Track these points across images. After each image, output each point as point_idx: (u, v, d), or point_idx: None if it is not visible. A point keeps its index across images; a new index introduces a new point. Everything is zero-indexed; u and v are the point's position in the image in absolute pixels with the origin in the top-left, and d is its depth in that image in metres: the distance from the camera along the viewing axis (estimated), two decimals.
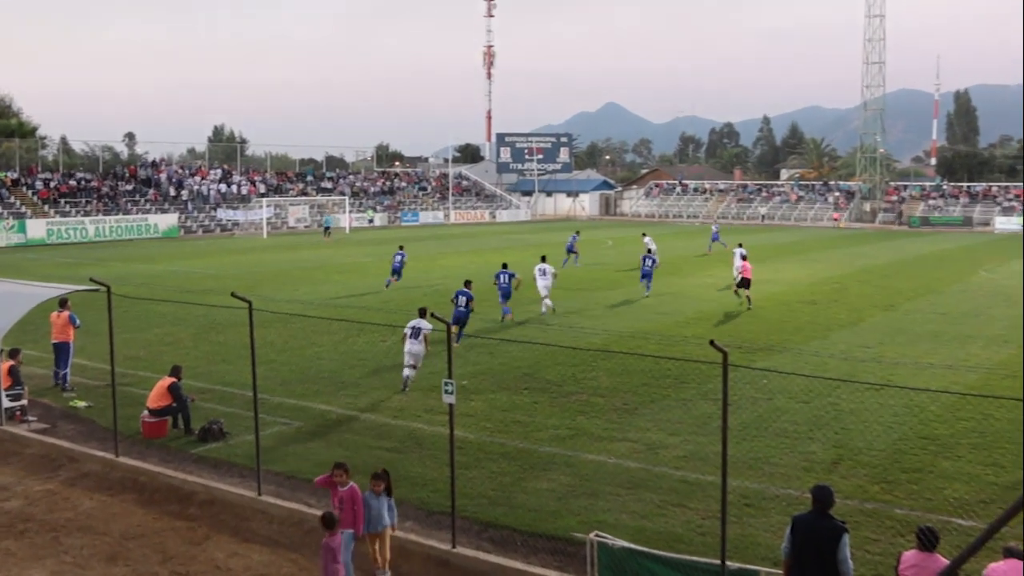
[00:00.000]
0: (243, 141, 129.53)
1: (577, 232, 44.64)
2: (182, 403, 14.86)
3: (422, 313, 17.27)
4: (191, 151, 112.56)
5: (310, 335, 22.35)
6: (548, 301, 26.12)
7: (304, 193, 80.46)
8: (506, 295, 25.12)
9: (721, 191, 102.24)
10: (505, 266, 26.06)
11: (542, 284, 26.38)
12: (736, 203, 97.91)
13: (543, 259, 27.56)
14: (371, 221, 78.66)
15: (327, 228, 65.40)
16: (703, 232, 65.04)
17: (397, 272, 31.85)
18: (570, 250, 40.47)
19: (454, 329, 20.68)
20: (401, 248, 33.46)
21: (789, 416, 15.19)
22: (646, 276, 30.28)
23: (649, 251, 33.05)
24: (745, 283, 27.87)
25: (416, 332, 16.87)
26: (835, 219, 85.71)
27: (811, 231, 74.03)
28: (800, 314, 26.55)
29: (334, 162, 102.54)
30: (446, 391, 10.42)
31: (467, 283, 21.88)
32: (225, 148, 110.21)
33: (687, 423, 14.82)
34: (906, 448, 13.52)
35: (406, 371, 16.98)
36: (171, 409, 14.81)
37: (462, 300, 21.13)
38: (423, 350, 16.96)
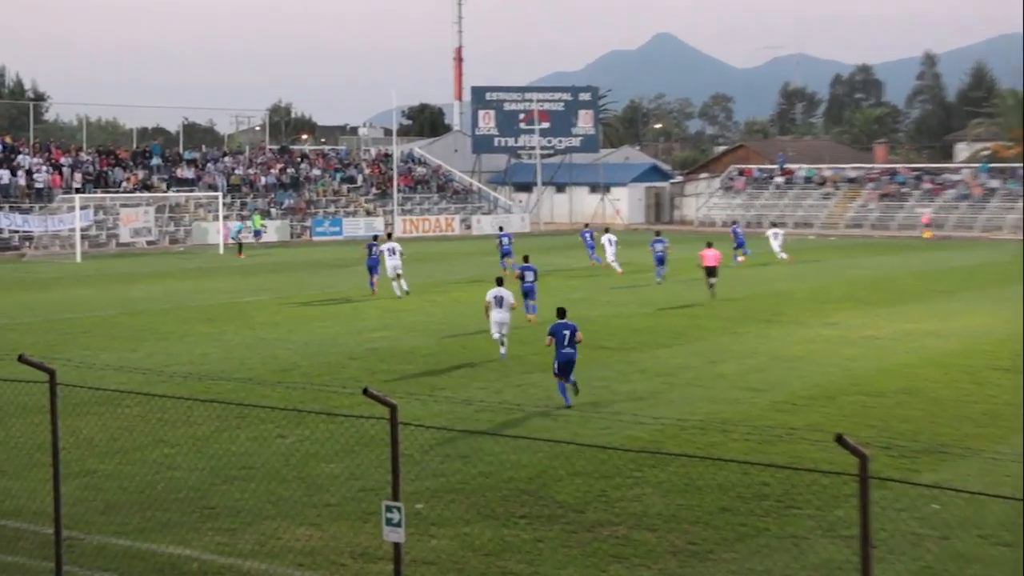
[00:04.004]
0: (40, 97, 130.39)
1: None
2: None
3: (499, 282, 29.61)
4: None
5: (156, 427, 22.23)
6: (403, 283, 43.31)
7: (147, 186, 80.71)
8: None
9: (852, 181, 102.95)
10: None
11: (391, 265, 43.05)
12: (878, 201, 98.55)
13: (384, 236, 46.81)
14: (257, 234, 76.31)
15: (239, 243, 67.34)
16: (818, 250, 65.17)
17: (373, 270, 44.27)
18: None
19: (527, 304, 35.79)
20: (384, 232, 43.99)
21: (982, 568, 15.11)
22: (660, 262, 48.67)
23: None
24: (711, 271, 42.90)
25: (500, 300, 28.39)
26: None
27: (1009, 247, 74.37)
28: (993, 390, 26.53)
29: (198, 134, 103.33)
30: (389, 522, 10.36)
31: (526, 258, 38.66)
32: (7, 109, 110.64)
33: None
34: None
35: (496, 336, 29.01)
36: None
37: (529, 275, 36.00)
38: (510, 318, 28.80)
